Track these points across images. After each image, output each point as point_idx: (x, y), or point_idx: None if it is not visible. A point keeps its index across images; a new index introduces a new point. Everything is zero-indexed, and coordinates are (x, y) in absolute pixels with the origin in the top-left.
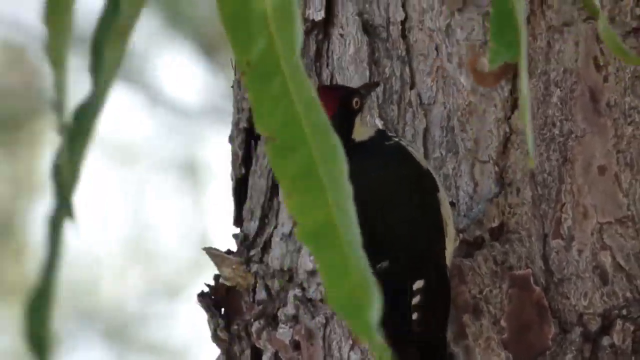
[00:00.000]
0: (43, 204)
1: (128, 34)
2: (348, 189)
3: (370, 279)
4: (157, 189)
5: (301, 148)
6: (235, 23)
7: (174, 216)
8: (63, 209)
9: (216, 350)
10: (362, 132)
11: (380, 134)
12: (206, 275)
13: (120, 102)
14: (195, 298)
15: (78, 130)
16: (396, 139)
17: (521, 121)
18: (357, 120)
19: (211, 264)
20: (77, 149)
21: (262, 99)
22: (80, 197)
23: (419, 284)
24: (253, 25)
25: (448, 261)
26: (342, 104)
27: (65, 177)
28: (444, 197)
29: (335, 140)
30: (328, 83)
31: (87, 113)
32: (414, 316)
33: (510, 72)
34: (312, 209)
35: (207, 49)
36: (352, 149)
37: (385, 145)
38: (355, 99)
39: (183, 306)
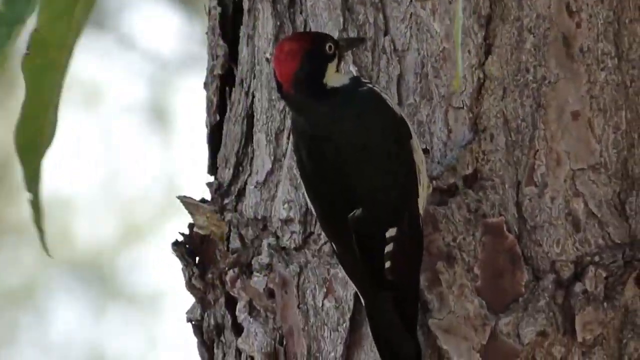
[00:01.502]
0: None
1: None
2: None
3: (53, 131)
4: (128, 134)
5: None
6: None
7: (143, 161)
8: None
9: (191, 298)
10: (335, 78)
11: (355, 81)
12: (176, 221)
13: (92, 46)
14: (167, 243)
15: (9, 16)
16: (370, 85)
17: (454, 42)
18: (331, 65)
19: (182, 208)
20: (8, 36)
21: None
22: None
23: (391, 232)
24: None
25: (421, 209)
26: (312, 49)
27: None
28: (417, 144)
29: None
30: (302, 30)
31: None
32: (387, 264)
33: None
34: (52, 46)
35: None
36: (324, 93)
37: (358, 91)
38: (329, 44)
39: (156, 251)
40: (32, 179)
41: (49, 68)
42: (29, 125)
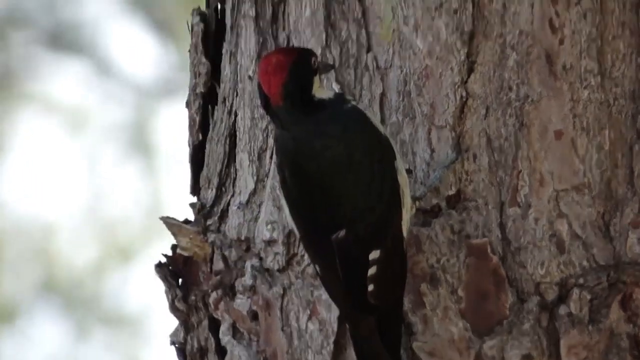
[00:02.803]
0: None
1: None
2: None
3: None
4: (110, 157)
5: None
6: None
7: (126, 184)
8: None
9: (174, 321)
10: (321, 91)
11: (339, 97)
12: (160, 243)
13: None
14: (150, 266)
15: None
16: (354, 103)
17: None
18: (316, 79)
19: (165, 230)
20: None
21: None
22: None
23: (374, 254)
24: None
25: (405, 231)
26: (299, 61)
27: None
28: (400, 165)
29: None
30: (285, 46)
31: None
32: (370, 287)
33: None
34: None
35: (158, 22)
36: (312, 105)
37: (343, 108)
38: (313, 58)
39: (138, 273)
40: None
41: None
42: None
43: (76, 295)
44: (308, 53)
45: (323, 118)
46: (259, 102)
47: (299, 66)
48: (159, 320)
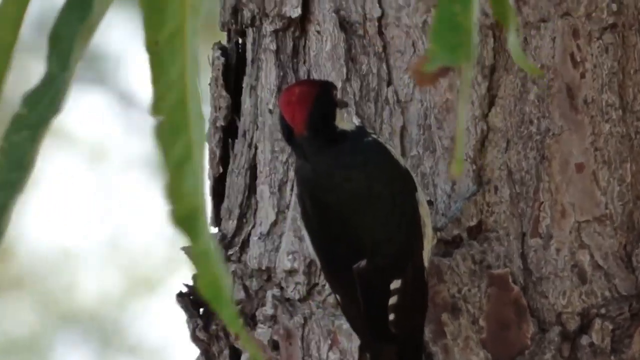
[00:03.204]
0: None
1: (95, 29)
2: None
3: (223, 271)
4: (131, 188)
5: (185, 133)
6: (153, 2)
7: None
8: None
9: (195, 350)
10: (343, 124)
11: (360, 129)
12: (181, 273)
13: (93, 103)
14: (171, 296)
15: (32, 118)
16: (374, 136)
17: (457, 128)
18: (338, 111)
19: (186, 261)
20: (32, 139)
21: (161, 81)
22: (55, 197)
23: (396, 284)
24: (169, 5)
25: (426, 261)
26: (322, 92)
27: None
28: (422, 196)
29: (203, 134)
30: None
31: (43, 101)
32: (391, 317)
33: (447, 72)
34: (188, 194)
35: None
36: (335, 136)
37: (364, 141)
38: (335, 92)
39: (160, 304)
40: (232, 321)
41: (194, 216)
42: (205, 277)
43: (98, 325)
44: (330, 85)
45: (344, 149)
46: (279, 135)
47: (322, 97)
48: (181, 350)
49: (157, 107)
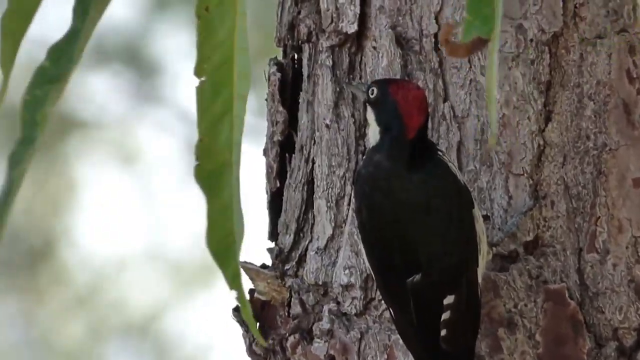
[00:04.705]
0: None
1: None
2: (241, 133)
3: (242, 227)
4: (184, 203)
5: (226, 90)
6: None
7: (190, 222)
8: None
9: (241, 358)
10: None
11: (432, 144)
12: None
13: (148, 116)
14: (216, 302)
15: (54, 71)
16: (440, 152)
17: (487, 104)
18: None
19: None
20: (53, 92)
21: (208, 43)
22: (98, 205)
23: (449, 300)
24: None
25: (480, 277)
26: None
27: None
28: (478, 213)
29: (247, 87)
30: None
31: (65, 55)
32: (443, 332)
33: (482, 45)
34: (218, 151)
35: None
36: (427, 149)
37: (429, 155)
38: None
39: (201, 311)
40: (234, 279)
41: (221, 171)
42: (217, 231)
43: (141, 334)
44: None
45: (421, 161)
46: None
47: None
48: (226, 357)
49: (200, 69)
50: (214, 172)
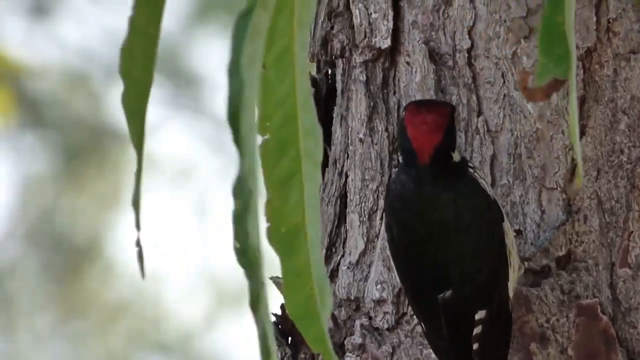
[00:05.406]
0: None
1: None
2: (317, 194)
3: (326, 288)
4: (221, 213)
5: (292, 149)
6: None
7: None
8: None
9: None
10: (456, 155)
11: (463, 161)
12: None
13: (194, 131)
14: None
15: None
16: (472, 169)
17: (571, 139)
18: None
19: (274, 288)
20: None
21: (270, 100)
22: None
23: (480, 315)
24: (278, 24)
25: (511, 292)
26: (450, 123)
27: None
28: (508, 227)
29: (319, 144)
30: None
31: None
32: (475, 346)
33: (559, 85)
34: (290, 213)
35: None
36: (451, 169)
37: (459, 173)
38: (458, 117)
39: (246, 326)
40: (318, 342)
41: (295, 233)
42: (296, 295)
43: (187, 348)
44: (454, 112)
45: (441, 181)
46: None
47: (450, 130)
48: None
49: (263, 127)
50: (287, 234)
